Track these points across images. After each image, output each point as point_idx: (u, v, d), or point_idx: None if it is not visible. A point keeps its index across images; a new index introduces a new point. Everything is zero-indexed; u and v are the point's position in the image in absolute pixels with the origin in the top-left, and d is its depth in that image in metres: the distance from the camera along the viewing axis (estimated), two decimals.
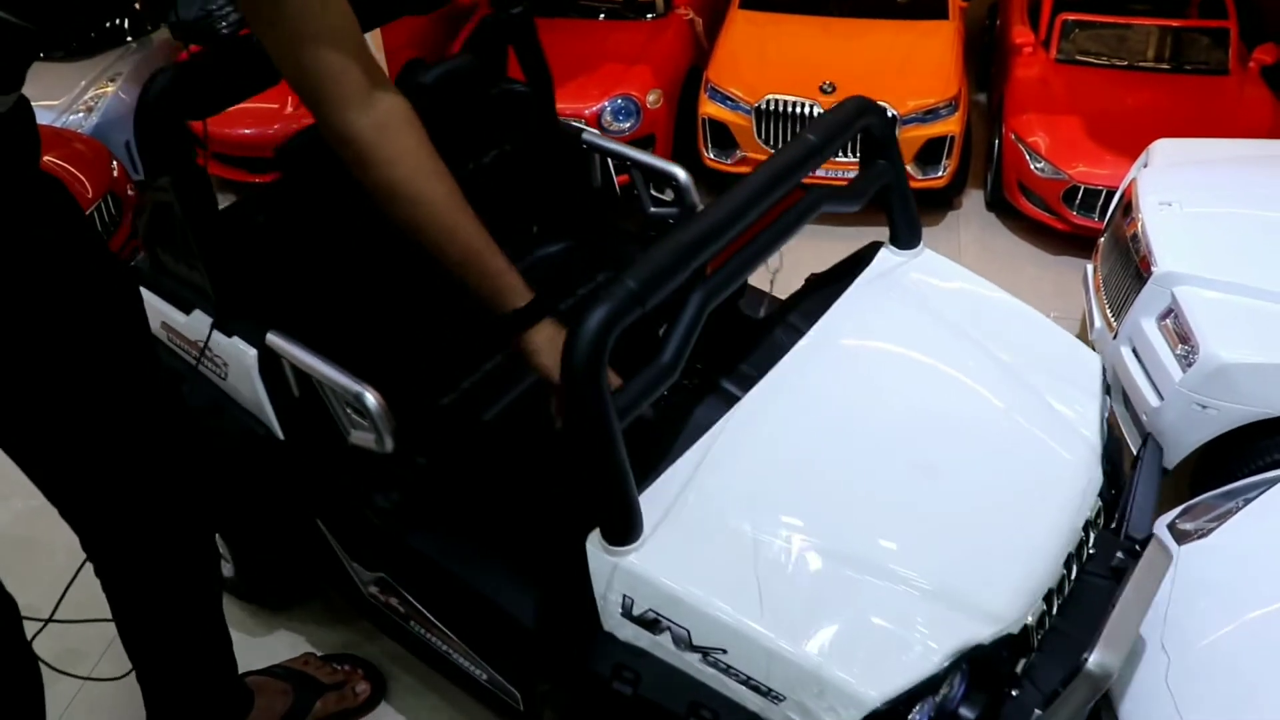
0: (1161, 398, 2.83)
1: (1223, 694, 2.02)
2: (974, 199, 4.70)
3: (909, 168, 4.29)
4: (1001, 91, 4.60)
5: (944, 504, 1.92)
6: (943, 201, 4.59)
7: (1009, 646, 1.83)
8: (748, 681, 1.74)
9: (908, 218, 2.40)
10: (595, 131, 3.00)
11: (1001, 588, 1.84)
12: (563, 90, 4.28)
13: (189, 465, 1.97)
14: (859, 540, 1.83)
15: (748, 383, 2.08)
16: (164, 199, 2.24)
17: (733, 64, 4.60)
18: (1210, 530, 2.44)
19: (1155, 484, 2.23)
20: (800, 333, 2.19)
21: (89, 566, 2.00)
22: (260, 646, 2.77)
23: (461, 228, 1.80)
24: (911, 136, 4.24)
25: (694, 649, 1.78)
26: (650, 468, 1.91)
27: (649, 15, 5.13)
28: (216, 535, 2.33)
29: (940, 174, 4.34)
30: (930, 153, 4.28)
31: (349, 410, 2.17)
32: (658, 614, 1.78)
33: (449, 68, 2.72)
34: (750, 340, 2.23)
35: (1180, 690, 2.08)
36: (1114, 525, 2.17)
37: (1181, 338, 2.82)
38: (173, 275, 2.43)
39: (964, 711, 1.79)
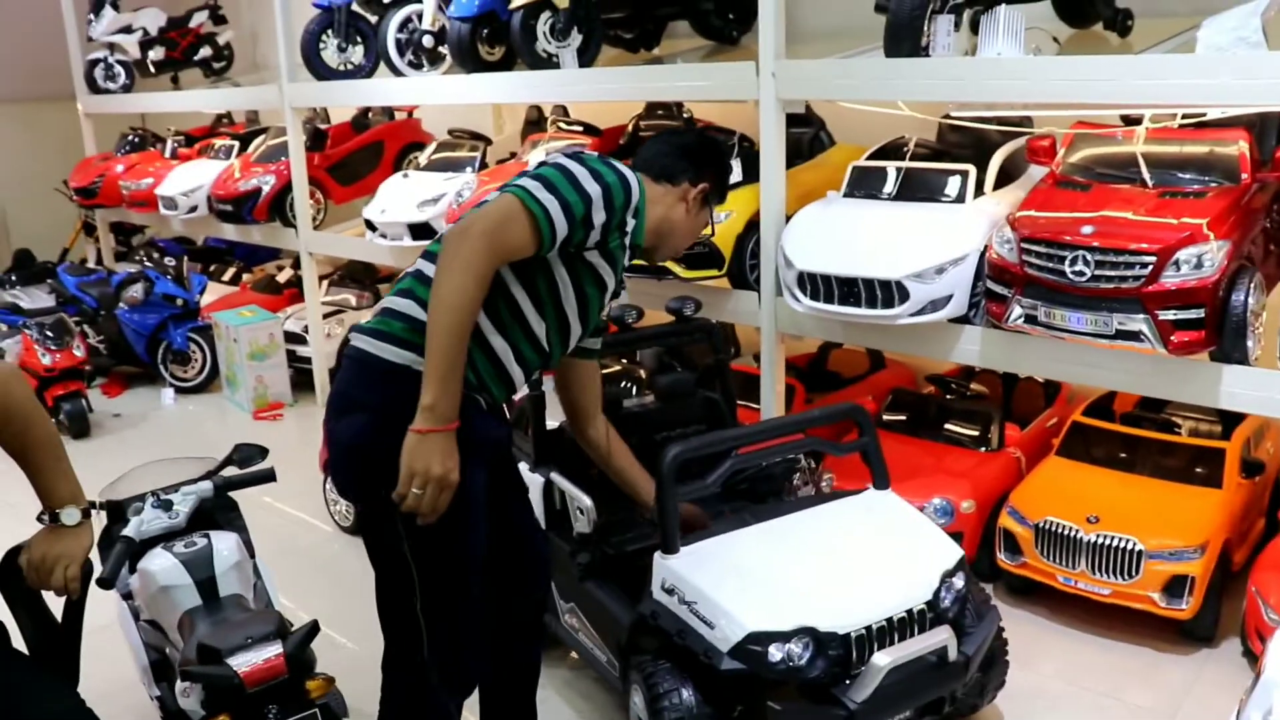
0: None
1: None
2: (1233, 644, 5.35)
3: (1155, 595, 5.18)
4: None
5: (829, 576, 4.00)
6: (1195, 636, 5.33)
7: (840, 645, 3.74)
8: (702, 618, 3.81)
9: (880, 471, 4.50)
10: None
11: (837, 610, 3.83)
12: (904, 486, 5.78)
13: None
14: (780, 574, 3.97)
15: (762, 519, 4.26)
16: (527, 408, 4.81)
17: (1031, 492, 5.85)
18: None
19: None
20: (802, 508, 4.39)
21: None
22: None
23: (641, 483, 3.98)
24: (1156, 570, 5.16)
25: (684, 603, 3.89)
26: (697, 535, 4.12)
27: (984, 448, 6.56)
28: None
29: (1183, 607, 5.15)
30: (1175, 587, 5.15)
31: (577, 510, 4.51)
32: (674, 586, 3.95)
33: (674, 379, 5.08)
34: (779, 500, 4.68)
35: None
36: None
37: None
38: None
39: (809, 671, 3.69)
